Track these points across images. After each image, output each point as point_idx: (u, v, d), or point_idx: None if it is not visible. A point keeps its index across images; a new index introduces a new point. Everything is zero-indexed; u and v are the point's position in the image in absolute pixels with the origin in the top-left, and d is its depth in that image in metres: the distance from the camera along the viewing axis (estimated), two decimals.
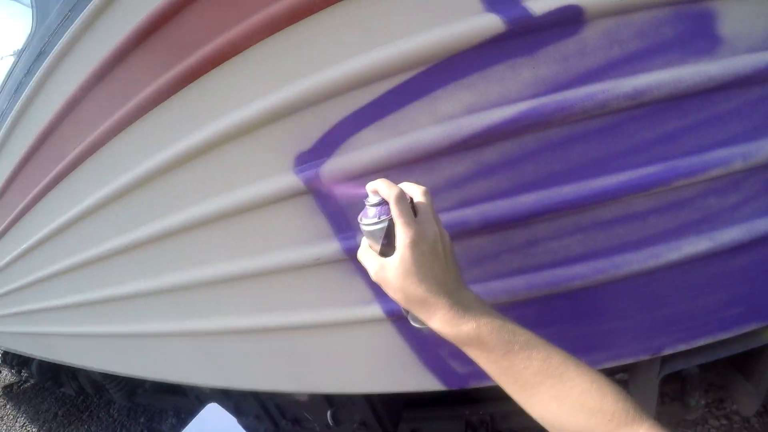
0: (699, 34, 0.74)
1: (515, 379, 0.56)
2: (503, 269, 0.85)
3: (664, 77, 0.74)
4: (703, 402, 1.41)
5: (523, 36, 0.73)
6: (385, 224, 0.61)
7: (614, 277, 0.84)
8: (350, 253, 0.91)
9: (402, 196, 0.61)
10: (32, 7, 1.21)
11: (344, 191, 0.87)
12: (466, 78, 0.76)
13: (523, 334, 0.57)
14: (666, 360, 1.11)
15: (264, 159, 0.93)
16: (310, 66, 0.82)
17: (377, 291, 0.94)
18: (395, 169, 0.82)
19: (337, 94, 0.82)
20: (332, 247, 0.92)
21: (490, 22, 0.72)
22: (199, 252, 1.11)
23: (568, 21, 0.72)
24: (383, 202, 0.63)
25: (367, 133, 0.83)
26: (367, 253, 0.65)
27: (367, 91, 0.80)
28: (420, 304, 0.59)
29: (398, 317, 0.95)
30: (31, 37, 1.20)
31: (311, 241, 0.94)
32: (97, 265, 1.46)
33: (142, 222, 1.19)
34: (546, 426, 0.56)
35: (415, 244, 0.58)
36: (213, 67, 0.91)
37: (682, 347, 0.97)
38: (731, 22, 0.73)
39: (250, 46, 0.85)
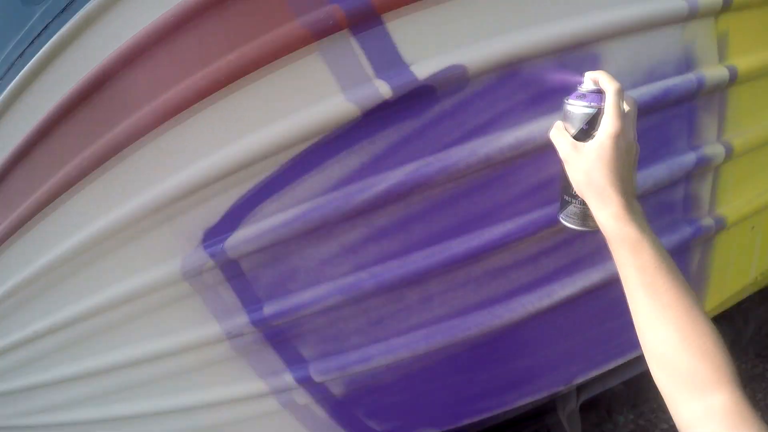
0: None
1: (653, 294, 0.57)
2: (402, 326, 0.89)
3: (547, 124, 0.82)
4: (632, 416, 1.46)
5: (409, 99, 0.79)
6: (594, 111, 0.64)
7: (511, 320, 0.89)
8: (257, 324, 0.92)
9: (621, 92, 0.63)
10: None
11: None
12: (355, 146, 0.82)
13: (671, 259, 0.59)
14: (583, 387, 1.17)
15: (175, 237, 0.94)
16: (209, 146, 0.86)
17: (289, 359, 0.95)
18: (294, 239, 0.86)
19: (236, 172, 0.86)
20: (242, 319, 0.93)
21: (379, 89, 0.78)
22: (121, 334, 1.09)
23: (451, 81, 0.78)
24: (597, 91, 0.65)
25: (267, 207, 0.87)
26: (561, 133, 0.68)
27: (264, 167, 0.85)
28: (598, 192, 0.61)
29: (310, 383, 0.96)
30: None
31: (222, 315, 0.95)
32: (21, 350, 1.38)
33: (63, 303, 1.15)
34: (656, 358, 0.57)
35: (618, 137, 0.61)
36: (122, 149, 0.93)
37: (594, 373, 1.03)
38: (615, 61, 0.82)
39: (160, 130, 0.88)
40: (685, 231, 0.94)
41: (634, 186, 0.64)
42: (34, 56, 0.92)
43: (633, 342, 0.96)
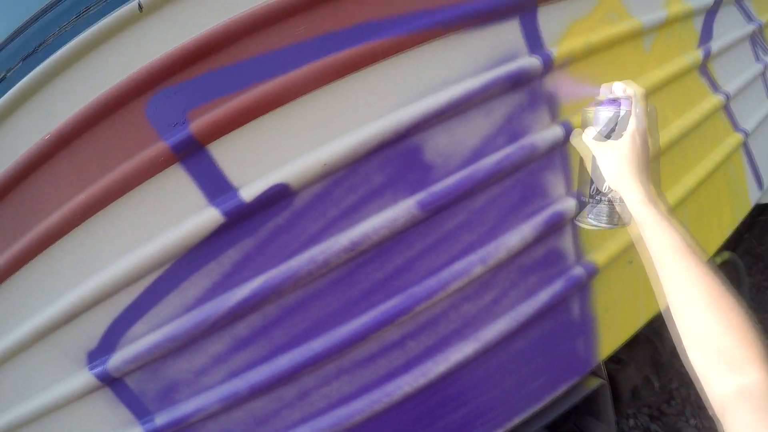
0: (409, 168, 0.86)
1: (685, 270, 0.60)
2: (288, 422, 0.91)
3: (378, 221, 0.84)
4: None
5: (241, 220, 0.83)
6: (621, 113, 0.73)
7: (391, 402, 0.92)
8: None
9: (645, 95, 0.74)
10: None
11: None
12: (203, 267, 0.85)
13: (698, 244, 0.63)
14: None
15: (62, 360, 0.97)
16: (80, 274, 0.89)
17: None
18: (167, 355, 0.89)
19: (106, 298, 0.89)
20: (137, 431, 0.96)
21: (213, 215, 0.82)
22: None
23: (277, 198, 0.82)
24: (617, 99, 0.75)
25: (137, 328, 0.89)
26: (590, 134, 0.76)
27: (129, 292, 0.88)
28: (628, 180, 0.69)
29: None
30: None
31: (119, 429, 0.98)
32: None
33: None
34: (688, 336, 0.58)
35: (644, 132, 0.71)
36: (6, 277, 0.95)
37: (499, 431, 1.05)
38: (437, 146, 0.85)
39: (35, 256, 0.91)
40: (556, 285, 0.96)
41: (659, 176, 0.73)
42: None
43: (531, 397, 1.00)
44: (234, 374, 0.88)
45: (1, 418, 1.04)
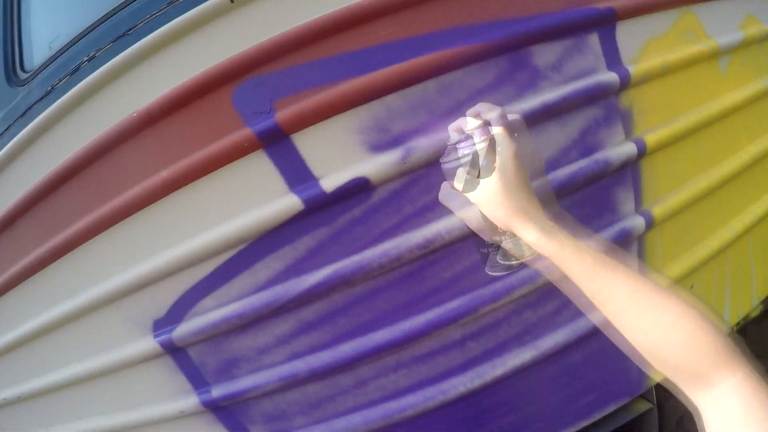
0: None
1: (611, 298, 0.55)
2: (341, 409, 0.94)
3: (453, 222, 0.86)
4: None
5: (320, 209, 0.85)
6: (486, 143, 0.63)
7: (445, 401, 0.93)
8: (208, 405, 0.98)
9: (503, 114, 0.64)
10: None
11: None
12: (278, 251, 0.88)
13: (616, 260, 0.57)
14: None
15: (128, 326, 1.01)
16: (157, 247, 0.93)
17: None
18: (232, 332, 0.92)
19: (180, 271, 0.92)
20: (193, 400, 1.00)
21: (292, 202, 0.84)
22: (77, 408, 1.17)
23: (356, 191, 0.84)
24: (479, 127, 0.65)
25: (206, 302, 0.93)
26: (461, 182, 0.65)
27: (203, 267, 0.91)
28: (522, 213, 0.60)
29: None
30: None
31: (176, 396, 1.02)
32: None
33: (24, 377, 1.24)
34: (643, 354, 0.54)
35: (518, 155, 0.61)
36: (80, 245, 1.00)
37: None
38: None
39: (111, 227, 0.95)
40: None
41: (550, 191, 0.67)
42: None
43: (579, 413, 1.00)
44: (295, 356, 0.91)
45: (59, 374, 1.09)
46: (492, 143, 0.63)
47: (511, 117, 0.66)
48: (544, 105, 0.89)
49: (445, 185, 0.70)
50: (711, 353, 0.48)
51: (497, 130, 0.63)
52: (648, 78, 1.00)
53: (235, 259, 0.89)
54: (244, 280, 0.90)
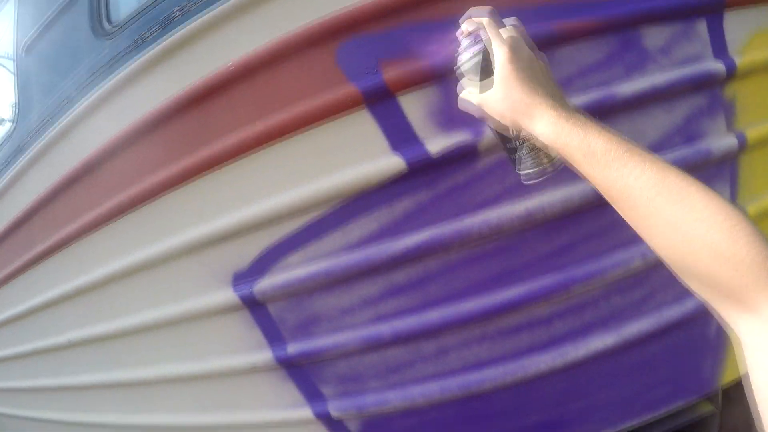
0: None
1: (627, 194, 0.47)
2: (419, 375, 0.93)
3: (555, 196, 0.85)
4: None
5: (422, 172, 0.84)
6: (480, 51, 0.64)
7: (524, 378, 0.92)
8: (281, 362, 0.98)
9: (491, 22, 0.63)
10: (16, 102, 1.31)
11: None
12: (374, 211, 0.87)
13: (635, 145, 0.49)
14: None
15: (208, 276, 1.01)
16: (245, 199, 0.93)
17: (309, 395, 1.01)
18: (317, 289, 0.92)
19: (268, 224, 0.92)
20: (266, 356, 1.00)
21: (395, 162, 0.84)
22: (150, 353, 1.18)
23: (462, 156, 0.83)
24: (474, 37, 0.65)
25: (293, 258, 0.93)
26: (465, 91, 0.66)
27: (293, 222, 0.91)
28: (526, 108, 0.57)
29: (328, 419, 1.02)
30: (12, 131, 1.30)
31: (248, 350, 1.02)
32: (55, 355, 1.50)
33: (101, 318, 1.25)
34: (671, 265, 0.46)
35: (511, 59, 0.59)
36: (162, 193, 1.01)
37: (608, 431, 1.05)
38: (619, 131, 0.85)
39: (197, 177, 0.95)
40: None
41: (560, 93, 0.60)
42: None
43: (649, 405, 0.99)
44: (381, 319, 0.91)
45: (152, 312, 1.10)
46: (486, 52, 0.63)
47: (505, 20, 0.66)
48: (653, 87, 0.87)
49: (459, 90, 0.69)
50: (752, 265, 0.38)
51: (487, 39, 0.62)
52: (753, 71, 0.97)
53: (329, 216, 0.89)
54: (335, 238, 0.89)
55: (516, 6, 0.81)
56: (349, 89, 0.84)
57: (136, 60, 0.96)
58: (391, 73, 0.82)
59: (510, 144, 0.67)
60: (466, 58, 0.66)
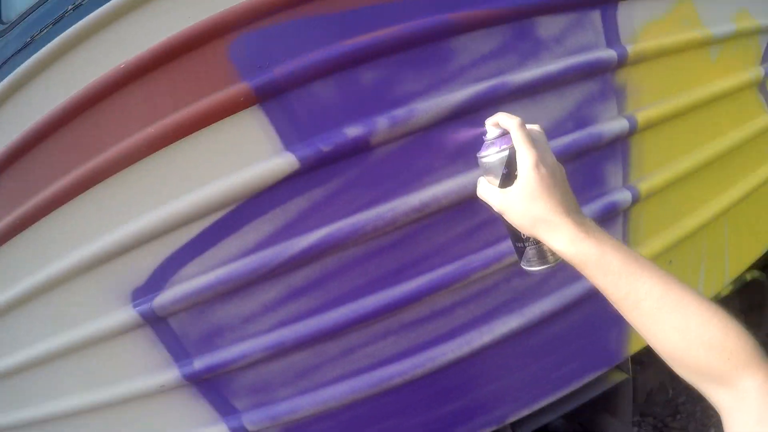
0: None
1: (636, 305, 0.54)
2: (328, 378, 0.92)
3: (450, 186, 0.85)
4: None
5: (315, 169, 0.83)
6: (506, 153, 0.63)
7: (433, 368, 0.93)
8: (189, 378, 0.95)
9: (523, 124, 0.63)
10: None
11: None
12: (268, 213, 0.85)
13: (644, 260, 0.56)
14: (517, 424, 1.20)
15: (105, 295, 0.97)
16: (138, 209, 0.89)
17: (222, 411, 0.97)
18: (217, 299, 0.89)
19: (162, 235, 0.89)
20: (174, 373, 0.96)
21: (288, 161, 0.82)
22: (54, 386, 1.11)
23: (354, 151, 0.83)
24: (503, 134, 0.65)
25: (190, 268, 0.90)
26: (487, 188, 0.66)
27: (187, 230, 0.88)
28: (545, 223, 0.59)
29: None
30: None
31: (155, 370, 0.97)
32: None
33: None
34: (665, 358, 0.55)
35: (538, 165, 0.60)
36: (50, 211, 0.95)
37: (525, 412, 1.06)
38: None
39: (86, 189, 0.90)
40: None
41: (575, 201, 0.63)
42: None
43: (560, 381, 1.01)
44: (282, 324, 0.89)
45: (33, 349, 1.04)
46: (512, 153, 0.63)
47: (530, 127, 0.65)
48: (545, 75, 0.90)
49: (481, 180, 0.69)
50: (738, 353, 0.49)
51: (517, 139, 0.62)
52: (643, 58, 1.02)
53: (223, 222, 0.86)
54: (231, 244, 0.87)
55: None
56: (241, 87, 0.82)
57: (27, 61, 0.90)
58: (282, 69, 0.81)
59: (519, 241, 0.69)
60: (492, 152, 0.65)
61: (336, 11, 0.82)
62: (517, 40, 0.90)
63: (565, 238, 0.58)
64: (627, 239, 1.01)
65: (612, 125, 0.96)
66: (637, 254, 0.57)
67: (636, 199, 0.99)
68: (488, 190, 0.66)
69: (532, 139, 0.62)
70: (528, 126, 0.65)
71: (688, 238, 1.09)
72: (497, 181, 0.65)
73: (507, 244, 0.89)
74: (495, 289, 0.91)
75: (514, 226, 0.64)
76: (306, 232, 0.85)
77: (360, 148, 0.82)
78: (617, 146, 0.98)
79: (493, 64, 0.89)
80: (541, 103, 0.92)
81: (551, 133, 0.91)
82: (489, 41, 0.88)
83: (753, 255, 1.31)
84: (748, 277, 1.42)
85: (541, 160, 0.60)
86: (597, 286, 0.58)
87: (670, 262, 1.08)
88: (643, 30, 1.04)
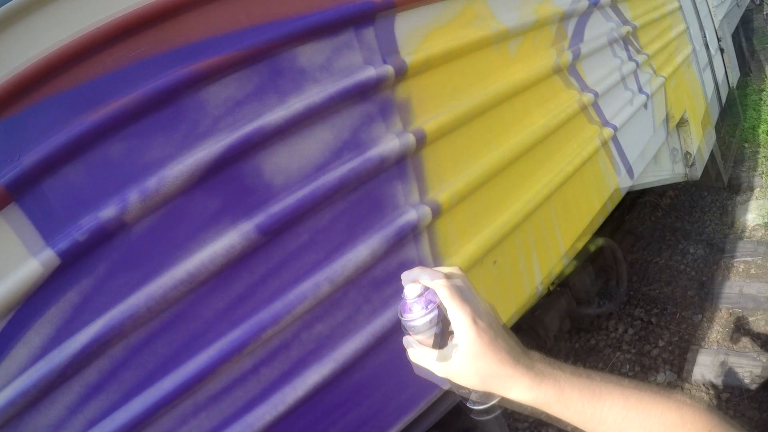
0: (246, 191, 0.85)
1: (601, 422, 0.55)
2: None
3: (215, 250, 0.83)
4: None
5: (77, 259, 0.82)
6: (435, 313, 0.59)
7: None
8: None
9: (446, 278, 0.59)
10: None
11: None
12: (46, 313, 0.84)
13: (597, 377, 0.56)
14: None
15: None
16: None
17: None
18: (24, 413, 0.86)
19: None
20: None
21: (48, 257, 0.81)
22: None
23: (111, 233, 0.82)
24: (424, 291, 0.60)
25: None
26: (423, 355, 0.60)
27: None
28: (498, 379, 0.56)
29: None
30: None
31: None
32: None
33: None
34: None
35: (475, 321, 0.56)
36: None
37: None
38: (277, 165, 0.86)
39: None
40: None
41: (516, 342, 0.59)
42: None
43: (399, 411, 0.97)
44: (92, 423, 0.86)
45: None
46: (441, 310, 0.59)
47: (450, 272, 0.62)
48: (309, 108, 0.89)
49: (411, 343, 0.63)
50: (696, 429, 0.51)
51: (446, 299, 0.58)
52: (429, 66, 1.02)
53: (5, 333, 0.85)
54: (19, 353, 0.85)
55: (154, 51, 0.81)
56: None
57: None
58: (31, 158, 0.80)
59: (466, 396, 0.63)
60: (419, 314, 0.59)
61: (74, 85, 0.81)
62: (275, 77, 0.89)
63: (520, 387, 0.56)
64: (436, 255, 0.99)
65: (394, 144, 0.95)
66: (590, 373, 0.57)
67: (438, 213, 0.97)
68: (425, 359, 0.60)
69: (460, 291, 0.58)
70: (447, 271, 0.62)
71: (511, 234, 1.07)
72: (430, 342, 0.60)
73: (295, 294, 0.87)
74: (296, 340, 0.88)
75: (465, 386, 0.59)
76: (85, 326, 0.83)
77: (115, 229, 0.82)
78: (407, 163, 0.97)
79: (250, 108, 0.88)
80: (311, 137, 0.91)
81: (327, 166, 0.91)
82: (243, 85, 0.87)
83: (584, 228, 1.28)
84: (593, 247, 1.40)
85: (475, 314, 0.57)
86: (561, 418, 0.57)
87: (494, 262, 1.06)
88: (427, 37, 1.04)
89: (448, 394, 1.05)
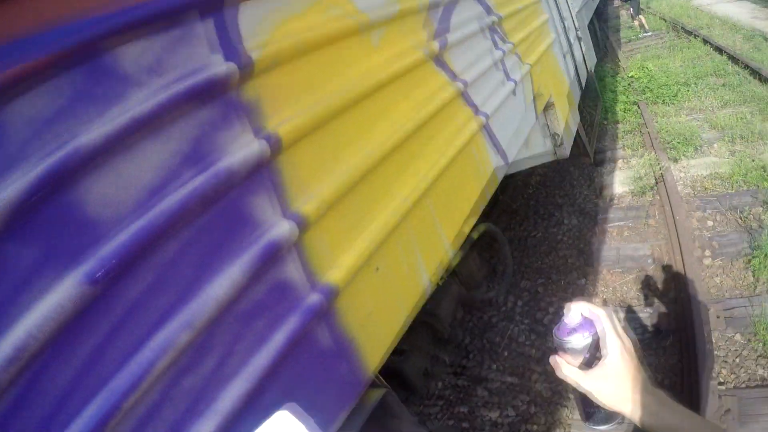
0: (65, 234, 0.68)
1: None
2: None
3: (40, 315, 0.61)
4: None
5: None
6: (591, 340, 0.72)
7: None
8: None
9: (611, 314, 0.73)
10: None
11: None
12: None
13: (708, 424, 0.71)
14: None
15: None
16: None
17: None
18: None
19: None
20: None
21: None
22: None
23: None
24: (585, 321, 0.73)
25: None
26: (573, 371, 0.73)
27: None
28: (631, 402, 0.68)
29: None
30: None
31: None
32: None
33: None
34: None
35: (623, 352, 0.70)
36: None
37: None
38: (101, 196, 0.70)
39: None
40: (291, 322, 0.85)
41: (646, 374, 0.72)
42: None
43: (326, 423, 0.88)
44: None
45: None
46: (596, 339, 0.72)
47: (607, 311, 0.74)
48: (133, 120, 0.73)
49: (561, 362, 0.75)
50: None
51: (608, 329, 0.71)
52: (280, 62, 0.91)
53: None
54: None
55: None
56: None
57: None
58: None
59: (591, 407, 0.76)
60: (577, 338, 0.72)
61: None
62: (91, 88, 0.72)
63: (648, 412, 0.67)
64: (309, 272, 0.89)
65: (244, 153, 0.83)
66: (701, 417, 0.69)
67: (304, 227, 0.87)
68: (575, 374, 0.73)
69: (617, 325, 0.72)
70: (602, 307, 0.75)
71: (389, 237, 1.01)
72: (577, 363, 0.73)
73: (150, 348, 0.72)
74: (166, 401, 0.72)
75: (599, 402, 0.71)
76: None
77: None
78: (262, 174, 0.85)
79: (59, 128, 0.70)
80: (142, 155, 0.74)
81: (164, 188, 0.76)
82: (46, 101, 0.69)
83: (463, 217, 1.28)
84: (475, 235, 1.44)
85: (625, 346, 0.71)
86: None
87: (377, 269, 0.99)
88: (278, 29, 0.93)
89: (356, 414, 0.97)
